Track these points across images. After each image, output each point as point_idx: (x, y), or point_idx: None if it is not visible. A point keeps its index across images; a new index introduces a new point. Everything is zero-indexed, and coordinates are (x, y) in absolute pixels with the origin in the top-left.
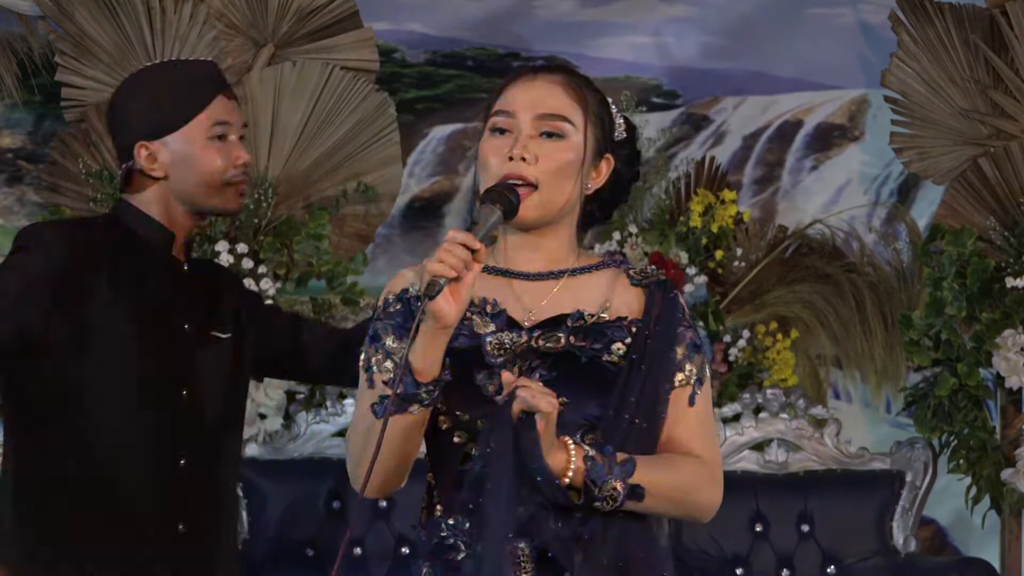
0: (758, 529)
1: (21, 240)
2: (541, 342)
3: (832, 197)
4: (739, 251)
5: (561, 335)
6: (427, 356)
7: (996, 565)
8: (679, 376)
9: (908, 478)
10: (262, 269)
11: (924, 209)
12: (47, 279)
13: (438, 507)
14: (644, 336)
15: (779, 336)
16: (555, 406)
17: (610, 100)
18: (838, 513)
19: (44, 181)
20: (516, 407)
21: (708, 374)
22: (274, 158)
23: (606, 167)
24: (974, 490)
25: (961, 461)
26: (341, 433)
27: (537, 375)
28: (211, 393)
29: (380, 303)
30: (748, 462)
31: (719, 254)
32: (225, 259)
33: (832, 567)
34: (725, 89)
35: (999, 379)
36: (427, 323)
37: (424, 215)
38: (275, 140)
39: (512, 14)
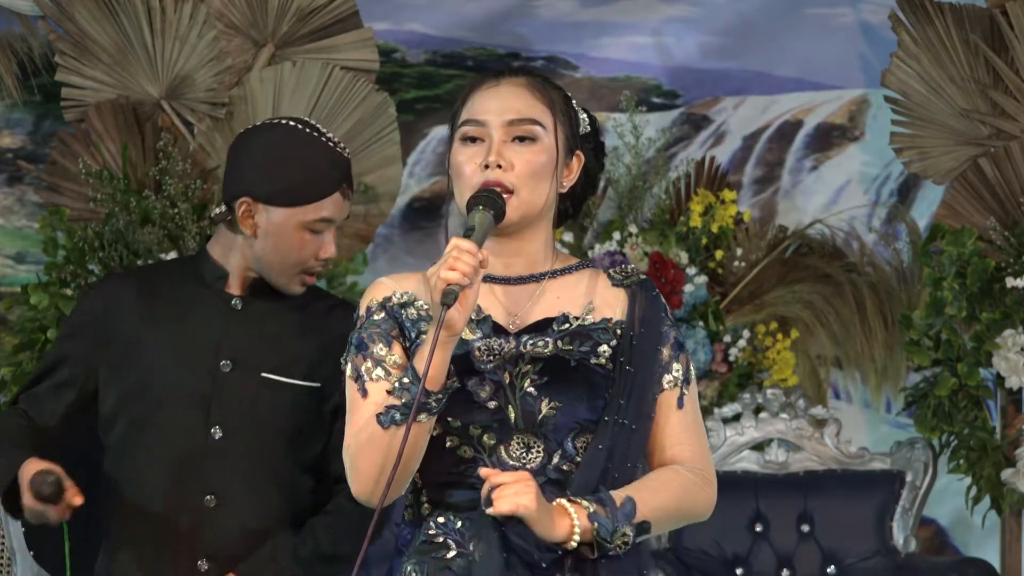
0: (758, 529)
1: (61, 327)
2: (529, 347)
3: (832, 197)
4: (739, 251)
5: (548, 339)
6: (436, 365)
7: (996, 565)
8: (667, 378)
9: (908, 478)
10: None
11: (924, 209)
12: (73, 346)
13: (425, 505)
14: (629, 337)
15: (779, 336)
16: (533, 501)
17: (568, 94)
18: (838, 513)
19: (44, 181)
20: (496, 511)
21: (692, 371)
22: None
23: (577, 164)
24: (974, 490)
25: (961, 461)
26: None
27: (528, 381)
28: (257, 436)
29: (362, 312)
30: (748, 462)
31: (719, 254)
32: None
33: (832, 567)
34: (725, 89)
35: (999, 379)
36: (431, 332)
37: (424, 215)
38: None
39: (512, 14)
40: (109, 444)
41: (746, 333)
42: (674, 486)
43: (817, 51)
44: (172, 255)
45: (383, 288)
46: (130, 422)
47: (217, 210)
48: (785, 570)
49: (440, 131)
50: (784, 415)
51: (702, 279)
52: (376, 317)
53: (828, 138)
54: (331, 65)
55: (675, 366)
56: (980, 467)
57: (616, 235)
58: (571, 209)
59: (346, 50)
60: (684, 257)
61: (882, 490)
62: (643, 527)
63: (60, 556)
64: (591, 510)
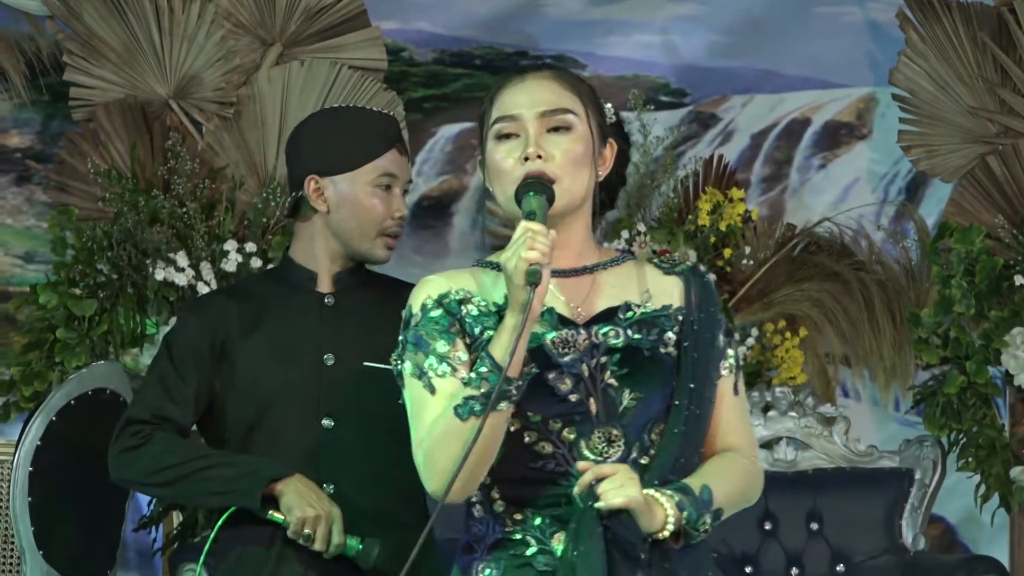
0: (767, 527)
1: (165, 338)
2: (601, 337)
3: (840, 195)
4: (747, 249)
5: (619, 328)
6: (517, 351)
7: (1006, 563)
8: (724, 364)
9: (917, 476)
10: (269, 268)
11: (932, 207)
12: (187, 365)
13: (499, 502)
14: (691, 323)
15: (788, 334)
16: (640, 492)
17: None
18: (847, 511)
19: (52, 180)
20: (608, 505)
21: (740, 360)
22: (282, 157)
23: (610, 152)
24: (983, 488)
25: (970, 459)
26: None
27: (608, 373)
28: (366, 423)
29: (416, 310)
30: None
31: (727, 252)
32: (233, 258)
33: (841, 565)
34: (733, 87)
35: (1008, 377)
36: (517, 316)
37: (433, 214)
38: (283, 139)
39: (520, 13)
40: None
41: (755, 331)
42: (737, 473)
43: (825, 49)
44: (181, 255)
45: (436, 285)
46: (245, 427)
47: (287, 200)
48: (794, 568)
49: (448, 130)
50: (793, 413)
51: (710, 277)
52: (434, 314)
53: (836, 136)
54: (339, 64)
55: (729, 352)
56: (989, 465)
57: (624, 233)
58: (606, 199)
59: (354, 49)
60: (692, 255)
61: (891, 488)
62: (718, 513)
63: (69, 554)
64: (677, 499)
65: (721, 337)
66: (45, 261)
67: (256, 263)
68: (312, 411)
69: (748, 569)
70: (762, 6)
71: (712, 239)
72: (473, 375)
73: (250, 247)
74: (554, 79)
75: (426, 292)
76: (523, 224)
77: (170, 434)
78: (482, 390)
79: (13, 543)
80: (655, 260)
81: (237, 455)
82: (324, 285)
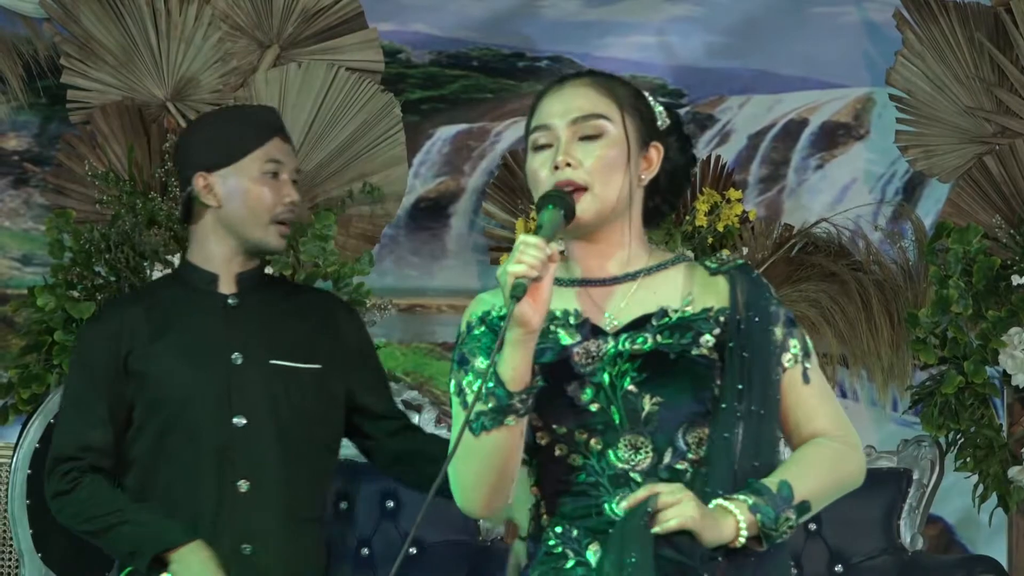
0: None
1: (71, 358)
2: (628, 345)
3: (838, 195)
4: (745, 250)
5: (647, 335)
6: (516, 365)
7: (1004, 562)
8: (786, 356)
9: (915, 476)
10: (268, 270)
11: (930, 207)
12: (97, 383)
13: (544, 516)
14: (737, 322)
15: None
16: (695, 510)
17: (647, 93)
18: (845, 511)
19: (50, 183)
20: (665, 529)
21: (810, 343)
22: None
23: (656, 155)
24: (981, 488)
25: (968, 459)
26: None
27: (628, 379)
28: (277, 419)
29: (463, 328)
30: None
31: (725, 253)
32: None
33: (839, 566)
34: (730, 88)
35: (1005, 377)
36: (513, 330)
37: (430, 215)
38: None
39: (517, 14)
40: (135, 456)
41: None
42: (823, 459)
43: (822, 50)
44: (178, 257)
45: (482, 303)
46: (160, 431)
47: (179, 200)
48: (793, 568)
49: (446, 131)
50: None
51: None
52: (477, 331)
53: (833, 137)
54: (336, 66)
55: (791, 343)
56: (987, 465)
57: None
58: (663, 205)
59: (351, 51)
60: (690, 256)
61: (889, 488)
62: (803, 507)
63: (67, 557)
64: (750, 502)
65: (778, 331)
66: (43, 264)
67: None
68: (224, 410)
69: None
70: (759, 7)
71: (710, 240)
72: (484, 390)
73: None
74: (590, 85)
75: (472, 310)
76: (520, 237)
77: (96, 480)
78: (490, 405)
79: (12, 545)
80: (706, 261)
81: (150, 512)
82: (226, 286)
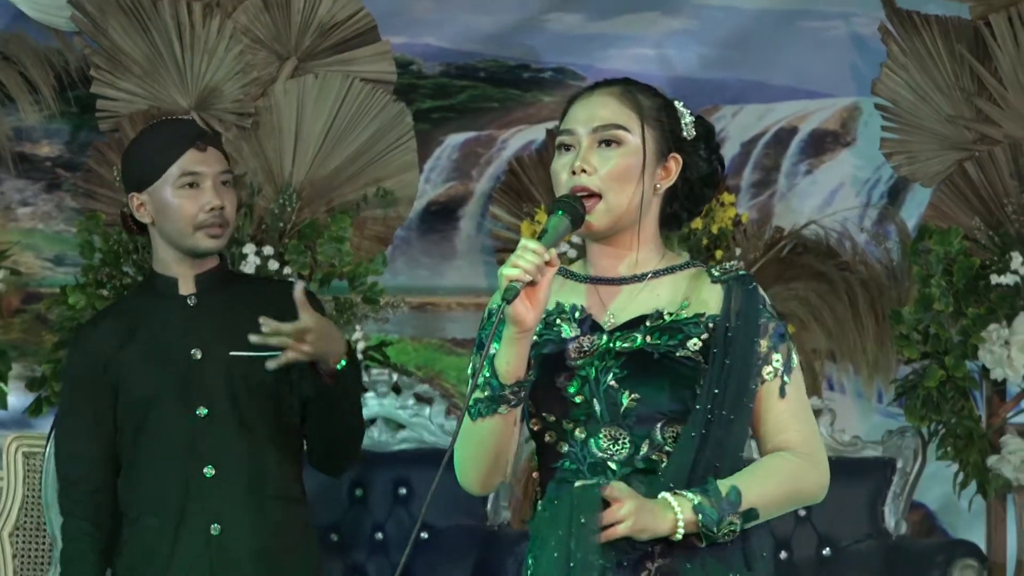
0: None
1: (60, 380)
2: (618, 343)
3: (826, 199)
4: (738, 251)
5: (638, 335)
6: (510, 360)
7: (982, 546)
8: (767, 369)
9: (899, 465)
10: (287, 270)
11: (913, 210)
12: (83, 396)
13: (539, 502)
14: (724, 330)
15: None
16: (632, 527)
17: (679, 103)
18: (833, 498)
19: (80, 188)
20: (609, 537)
21: (795, 360)
22: (298, 165)
23: (675, 165)
24: (961, 476)
25: (949, 448)
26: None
27: (611, 375)
28: (238, 407)
29: (484, 314)
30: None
31: (719, 254)
32: (252, 261)
33: (827, 549)
34: (724, 98)
35: (984, 371)
36: (508, 328)
37: (440, 218)
38: (299, 148)
39: (523, 28)
40: (121, 458)
41: None
42: (781, 472)
43: (811, 61)
44: None
45: None
46: (133, 431)
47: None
48: (783, 552)
49: (455, 139)
50: None
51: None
52: (494, 319)
53: (822, 144)
54: (351, 77)
55: (775, 356)
56: (967, 454)
57: None
58: (683, 213)
59: (365, 63)
60: (685, 257)
61: (874, 476)
62: (750, 514)
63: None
64: (696, 501)
65: (763, 343)
66: (74, 264)
67: (273, 265)
68: (187, 404)
69: None
70: (751, 21)
71: (704, 241)
72: (482, 379)
73: (267, 250)
74: (615, 95)
75: (494, 298)
76: (521, 241)
77: (82, 550)
78: (486, 393)
79: (45, 530)
80: (713, 269)
81: None
82: (185, 288)
